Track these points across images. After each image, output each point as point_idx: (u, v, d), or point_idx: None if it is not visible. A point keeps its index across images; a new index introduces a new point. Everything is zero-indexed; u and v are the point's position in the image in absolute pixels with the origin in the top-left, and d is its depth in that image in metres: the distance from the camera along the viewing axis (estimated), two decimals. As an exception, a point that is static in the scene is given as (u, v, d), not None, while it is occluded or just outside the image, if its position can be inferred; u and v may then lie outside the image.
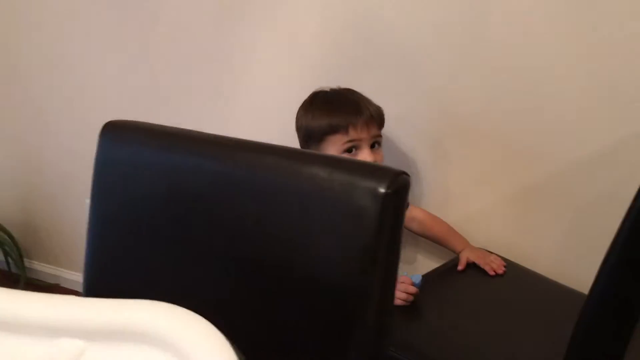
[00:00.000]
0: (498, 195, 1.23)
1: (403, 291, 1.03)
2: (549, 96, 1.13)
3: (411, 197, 1.25)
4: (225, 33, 1.35)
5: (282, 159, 0.67)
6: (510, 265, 1.16)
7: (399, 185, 0.61)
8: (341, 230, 0.62)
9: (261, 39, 1.31)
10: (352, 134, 1.05)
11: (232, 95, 1.39)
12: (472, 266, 1.16)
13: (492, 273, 1.13)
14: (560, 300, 1.09)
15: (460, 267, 1.16)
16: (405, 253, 1.34)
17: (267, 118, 1.37)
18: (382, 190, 0.59)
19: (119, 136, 0.75)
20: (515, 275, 1.15)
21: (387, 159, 1.15)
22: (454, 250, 1.21)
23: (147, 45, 1.44)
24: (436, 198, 1.26)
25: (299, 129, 1.12)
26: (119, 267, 0.76)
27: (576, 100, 1.11)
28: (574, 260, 1.20)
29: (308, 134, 1.09)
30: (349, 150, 1.07)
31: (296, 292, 0.65)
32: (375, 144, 1.09)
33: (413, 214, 1.22)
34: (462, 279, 1.15)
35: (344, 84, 1.18)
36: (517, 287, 1.12)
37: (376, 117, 1.08)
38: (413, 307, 1.03)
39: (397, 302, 1.02)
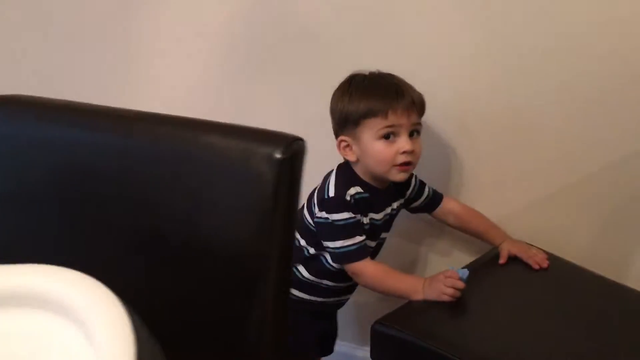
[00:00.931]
0: (536, 190, 1.18)
1: (450, 286, 0.96)
2: (588, 88, 1.08)
3: (446, 189, 1.19)
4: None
5: (180, 129, 0.68)
6: (552, 258, 1.10)
7: (295, 150, 0.63)
8: (240, 196, 0.64)
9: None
10: (392, 118, 0.99)
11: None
12: (513, 259, 1.10)
13: (536, 267, 1.07)
14: (609, 295, 1.03)
15: (501, 261, 1.09)
16: (437, 246, 1.28)
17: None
18: (277, 155, 0.62)
19: (5, 111, 0.73)
20: (560, 268, 1.08)
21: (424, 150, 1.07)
22: (492, 243, 1.15)
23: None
24: (471, 190, 1.20)
25: (334, 111, 1.05)
26: (13, 246, 0.73)
27: (618, 97, 1.07)
28: (611, 252, 1.16)
29: (344, 118, 1.02)
30: (386, 137, 1.00)
31: (199, 259, 0.67)
32: (414, 132, 1.02)
33: (449, 206, 1.16)
34: (505, 272, 1.08)
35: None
36: (564, 282, 1.06)
37: (418, 104, 1.01)
38: (459, 302, 0.97)
39: (444, 297, 0.96)
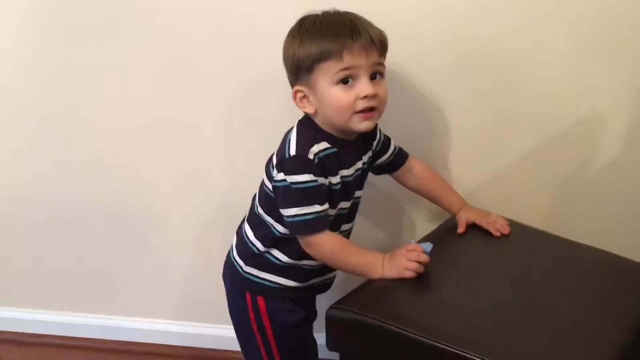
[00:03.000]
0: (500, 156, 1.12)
1: (414, 260, 0.83)
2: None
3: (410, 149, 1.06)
4: None
5: None
6: (512, 224, 1.00)
7: None
8: None
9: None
10: (348, 60, 0.83)
11: None
12: (472, 227, 0.99)
13: (497, 234, 0.97)
14: (574, 257, 0.95)
15: (460, 230, 0.99)
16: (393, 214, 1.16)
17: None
18: None
19: None
20: (521, 234, 0.99)
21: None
22: (449, 210, 1.04)
23: None
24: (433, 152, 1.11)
25: (286, 60, 0.89)
26: None
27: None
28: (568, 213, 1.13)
29: (296, 64, 0.86)
30: (344, 81, 0.84)
31: None
32: (376, 75, 0.87)
33: (412, 165, 1.04)
34: (466, 242, 0.97)
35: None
36: (527, 248, 0.97)
37: (377, 42, 0.85)
38: (420, 278, 0.84)
39: (407, 273, 0.83)
